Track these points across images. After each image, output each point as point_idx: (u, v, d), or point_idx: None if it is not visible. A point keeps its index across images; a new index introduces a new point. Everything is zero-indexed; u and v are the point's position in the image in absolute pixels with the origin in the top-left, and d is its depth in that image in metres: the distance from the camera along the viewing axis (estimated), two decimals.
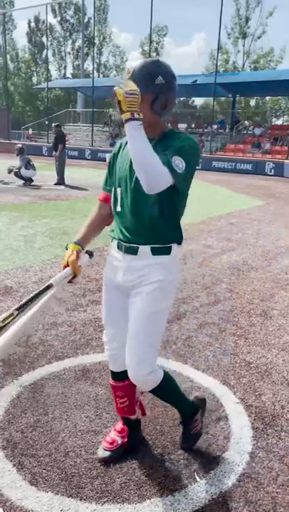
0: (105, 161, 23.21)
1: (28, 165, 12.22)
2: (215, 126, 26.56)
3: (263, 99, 45.54)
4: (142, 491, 1.95)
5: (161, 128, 1.89)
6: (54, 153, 12.94)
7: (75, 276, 2.08)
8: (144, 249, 1.90)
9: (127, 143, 1.87)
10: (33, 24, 50.57)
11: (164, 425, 2.39)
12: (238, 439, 2.31)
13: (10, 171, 12.26)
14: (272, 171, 19.40)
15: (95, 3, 29.36)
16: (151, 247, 1.89)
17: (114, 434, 2.21)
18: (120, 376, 2.07)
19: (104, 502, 1.88)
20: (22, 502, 1.87)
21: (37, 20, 49.96)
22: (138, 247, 1.91)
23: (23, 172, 12.20)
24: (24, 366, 2.91)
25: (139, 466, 2.08)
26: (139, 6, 55.29)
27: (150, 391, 2.06)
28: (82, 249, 2.11)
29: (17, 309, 1.84)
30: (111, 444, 2.16)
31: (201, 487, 1.98)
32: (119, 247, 1.99)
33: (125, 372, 1.98)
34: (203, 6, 59.26)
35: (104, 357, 3.05)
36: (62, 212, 8.74)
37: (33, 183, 12.37)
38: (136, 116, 1.67)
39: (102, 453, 2.14)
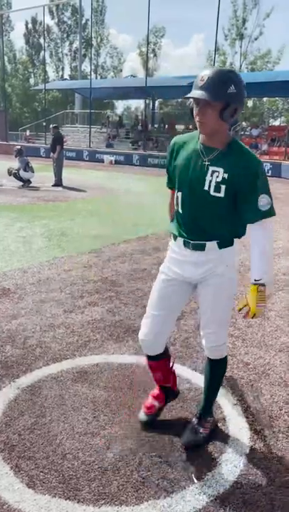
0: (103, 162, 23.25)
1: (27, 167, 12.20)
2: None
3: (260, 100, 45.60)
4: (139, 493, 1.94)
5: (226, 137, 1.97)
6: (52, 154, 12.92)
7: None
8: (211, 245, 2.05)
9: (185, 143, 2.05)
10: (30, 25, 50.55)
11: (162, 427, 2.38)
12: (236, 440, 2.31)
13: (10, 173, 12.22)
14: (270, 171, 19.39)
15: (92, 4, 29.37)
16: (218, 242, 2.05)
17: (151, 399, 2.43)
18: (155, 358, 2.30)
19: (102, 504, 1.88)
20: (19, 505, 1.87)
21: (34, 21, 49.93)
22: (205, 244, 2.05)
23: (22, 174, 12.18)
24: (21, 368, 2.91)
25: (137, 468, 2.08)
26: (137, 8, 55.41)
27: (213, 364, 2.26)
28: None
29: None
30: (149, 408, 2.39)
31: (199, 489, 1.98)
32: (185, 245, 2.09)
33: (158, 355, 2.27)
34: (202, 7, 59.39)
35: (101, 359, 3.06)
36: (60, 213, 8.73)
37: (31, 185, 12.35)
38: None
39: (144, 417, 2.38)
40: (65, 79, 47.68)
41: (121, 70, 51.58)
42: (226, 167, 1.93)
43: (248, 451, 2.24)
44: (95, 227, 7.40)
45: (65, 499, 1.90)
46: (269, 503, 1.92)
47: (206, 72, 1.86)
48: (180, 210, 2.08)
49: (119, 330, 3.54)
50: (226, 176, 1.94)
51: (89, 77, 31.62)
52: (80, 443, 2.24)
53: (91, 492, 1.94)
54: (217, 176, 1.95)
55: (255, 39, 42.71)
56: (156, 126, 30.81)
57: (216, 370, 2.29)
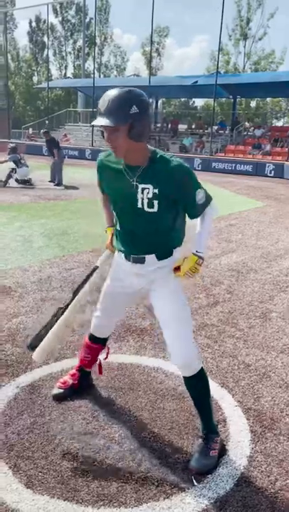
0: None
1: (19, 163, 12.02)
2: (215, 127, 26.52)
3: (263, 100, 45.53)
4: (138, 494, 1.93)
5: (146, 153, 1.99)
6: (53, 158, 12.77)
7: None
8: (150, 258, 2.11)
9: (109, 161, 2.07)
10: (34, 24, 50.49)
11: (162, 428, 2.37)
12: (237, 442, 2.29)
13: (8, 179, 11.95)
14: (273, 172, 19.37)
15: (96, 3, 29.32)
16: (156, 255, 2.11)
17: (67, 376, 2.64)
18: (96, 340, 2.52)
19: (101, 506, 1.86)
20: (18, 505, 1.85)
21: (38, 19, 49.85)
22: (144, 257, 2.12)
23: (18, 171, 11.96)
24: (21, 367, 2.89)
25: (136, 470, 2.06)
26: (141, 7, 55.31)
27: (187, 381, 2.17)
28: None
29: (73, 294, 2.34)
30: (64, 383, 2.60)
31: (199, 491, 1.96)
32: (126, 258, 2.18)
33: (101, 338, 2.50)
34: (206, 7, 59.35)
35: (101, 359, 3.04)
36: (61, 212, 8.71)
37: (32, 182, 12.30)
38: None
39: (56, 391, 2.58)
40: (68, 77, 47.64)
41: (124, 69, 51.55)
42: (154, 183, 1.96)
43: (248, 453, 2.22)
44: (96, 226, 7.37)
45: (64, 500, 1.88)
46: (270, 507, 1.90)
47: (106, 98, 1.86)
48: (118, 227, 2.18)
49: (119, 329, 3.53)
50: (156, 191, 1.97)
51: (92, 75, 31.51)
52: (79, 443, 2.22)
53: (90, 493, 1.92)
54: (148, 193, 1.98)
55: (259, 39, 42.63)
56: (158, 125, 30.78)
57: (194, 388, 2.19)
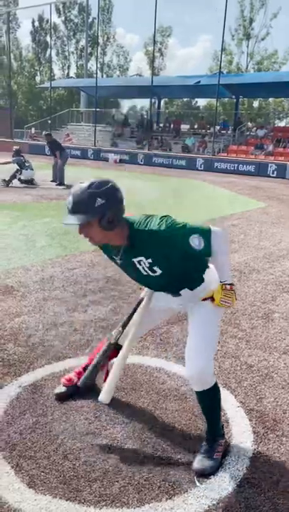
0: (108, 160, 23.21)
1: (24, 165, 12.06)
2: (218, 127, 26.50)
3: (266, 100, 45.46)
4: (141, 495, 1.92)
5: (123, 234, 1.99)
6: (58, 160, 12.75)
7: None
8: (184, 291, 2.17)
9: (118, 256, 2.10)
10: (37, 23, 50.52)
11: (164, 428, 2.37)
12: (239, 443, 2.29)
13: (11, 179, 11.93)
14: (275, 172, 19.34)
15: (99, 3, 29.32)
16: (189, 288, 2.16)
17: (73, 374, 2.65)
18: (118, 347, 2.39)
19: (103, 506, 1.86)
20: (20, 505, 1.85)
21: (41, 19, 49.88)
22: (178, 292, 2.18)
23: (24, 173, 12.02)
24: (24, 366, 2.89)
25: (139, 470, 2.06)
26: (144, 7, 55.28)
27: (199, 395, 2.14)
28: None
29: (122, 327, 2.36)
30: (68, 380, 2.61)
31: (201, 492, 1.96)
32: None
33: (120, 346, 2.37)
34: (209, 7, 59.30)
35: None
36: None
37: (35, 182, 12.32)
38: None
39: (59, 389, 2.59)
40: (71, 77, 47.67)
41: (127, 69, 51.55)
42: (143, 255, 2.01)
43: (251, 454, 2.21)
44: None
45: (66, 500, 1.88)
46: (272, 508, 1.90)
47: (71, 197, 1.91)
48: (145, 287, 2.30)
49: None
50: (150, 260, 2.02)
51: (95, 75, 31.49)
52: (81, 443, 2.22)
53: (92, 493, 1.92)
54: (144, 263, 2.04)
55: (262, 39, 42.59)
56: (161, 125, 30.77)
57: (204, 402, 2.16)
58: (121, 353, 2.26)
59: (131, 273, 2.19)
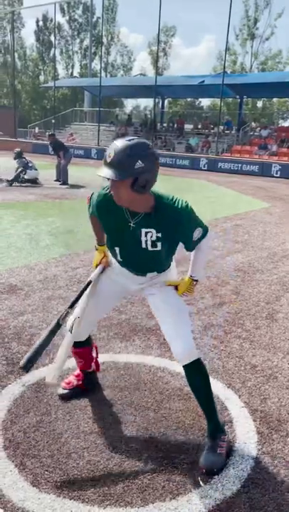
0: None
1: (27, 166, 12.09)
2: (222, 127, 26.47)
3: (270, 100, 45.39)
4: (144, 494, 1.92)
5: (149, 201, 2.02)
6: (61, 160, 12.75)
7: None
8: (151, 273, 2.27)
9: (108, 201, 2.07)
10: (41, 23, 50.62)
11: (168, 428, 2.36)
12: (243, 443, 2.28)
13: (16, 179, 11.95)
14: (279, 172, 19.31)
15: (103, 2, 29.34)
16: (157, 271, 2.27)
17: (72, 377, 2.65)
18: (80, 344, 2.46)
19: (107, 505, 1.85)
20: (23, 503, 1.85)
21: (45, 18, 50.01)
22: (146, 273, 2.26)
23: (29, 173, 12.03)
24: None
25: (142, 470, 2.05)
26: (148, 7, 55.28)
27: (188, 368, 2.15)
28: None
29: (69, 307, 2.33)
30: (68, 384, 2.61)
31: (205, 492, 1.95)
32: (128, 269, 2.28)
33: (83, 342, 2.45)
34: (213, 7, 59.16)
35: (107, 357, 3.04)
36: (67, 211, 8.73)
37: (38, 182, 12.33)
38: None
39: (60, 391, 2.59)
40: (75, 77, 47.72)
41: (131, 69, 51.58)
42: (156, 227, 2.04)
43: (255, 454, 2.20)
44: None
45: (70, 499, 1.88)
46: (276, 508, 1.89)
47: (112, 149, 1.88)
48: (119, 259, 2.24)
49: (125, 329, 3.52)
50: (159, 234, 2.06)
51: (99, 75, 31.53)
52: (85, 442, 2.22)
53: (96, 492, 1.91)
54: (151, 236, 2.06)
55: (267, 39, 42.56)
56: (165, 125, 30.76)
57: (194, 377, 2.19)
58: (67, 336, 2.29)
59: (127, 241, 2.12)
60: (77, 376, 2.64)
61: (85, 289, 2.34)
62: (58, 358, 2.23)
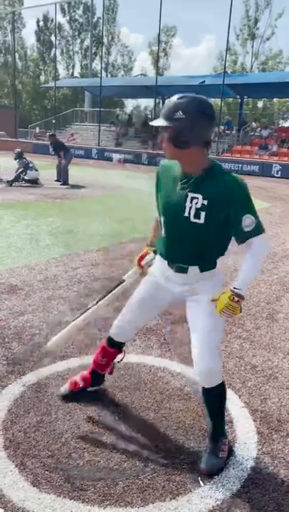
0: (112, 160, 23.23)
1: (28, 167, 12.10)
2: (222, 127, 26.47)
3: (270, 100, 45.38)
4: (145, 494, 1.92)
5: (200, 163, 1.94)
6: (62, 160, 12.76)
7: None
8: (193, 269, 2.06)
9: (169, 168, 2.05)
10: (41, 23, 50.65)
11: (168, 428, 2.36)
12: (243, 443, 2.28)
13: (16, 180, 11.96)
14: (279, 173, 19.31)
15: (104, 2, 29.36)
16: (199, 267, 2.05)
17: (78, 378, 2.58)
18: (114, 344, 2.45)
19: (107, 505, 1.85)
20: (24, 503, 1.85)
21: (46, 19, 50.02)
22: (187, 268, 2.06)
23: (29, 173, 12.04)
24: (28, 365, 2.90)
25: (143, 470, 2.05)
26: (149, 7, 55.32)
27: (208, 391, 2.12)
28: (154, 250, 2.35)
29: (96, 301, 2.40)
30: (74, 385, 2.56)
31: (205, 492, 1.95)
32: (169, 265, 2.12)
33: (119, 343, 2.44)
34: (214, 7, 59.19)
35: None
36: (67, 211, 8.73)
37: (38, 182, 12.33)
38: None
39: (64, 391, 2.57)
40: (76, 77, 47.74)
41: (131, 69, 51.60)
42: (204, 193, 1.93)
43: (255, 455, 2.21)
44: (103, 226, 7.39)
45: (70, 499, 1.88)
46: (276, 509, 1.89)
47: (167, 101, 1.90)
48: (164, 234, 2.11)
49: None
50: (205, 202, 1.93)
51: (99, 75, 31.53)
52: (85, 442, 2.22)
53: (96, 492, 1.92)
54: (196, 203, 1.94)
55: (267, 39, 42.56)
56: None
57: (211, 399, 2.15)
58: (83, 315, 2.39)
59: (172, 207, 2.01)
60: (84, 379, 2.58)
61: (115, 287, 2.34)
62: (67, 330, 2.32)
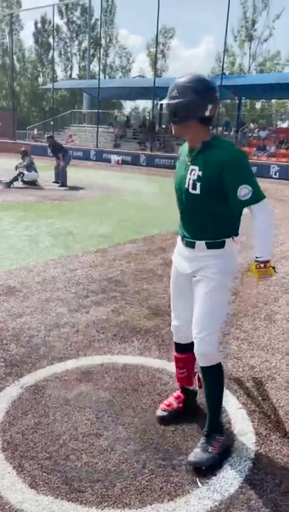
0: (110, 162, 23.26)
1: (31, 167, 12.13)
2: (220, 129, 26.50)
3: (268, 101, 45.45)
4: (142, 496, 1.92)
5: (201, 137, 2.04)
6: (60, 162, 12.77)
7: None
8: (199, 244, 2.11)
9: (184, 148, 2.17)
10: (39, 25, 50.70)
11: (166, 429, 2.36)
12: (241, 444, 2.28)
13: (16, 168, 12.09)
14: (277, 174, 19.34)
15: (102, 4, 29.38)
16: (206, 242, 2.09)
17: (171, 398, 2.50)
18: (183, 349, 2.36)
19: (105, 507, 1.85)
20: (22, 505, 1.85)
21: (44, 21, 50.08)
22: (195, 242, 2.12)
23: (27, 174, 12.07)
24: (26, 367, 2.90)
25: (141, 471, 2.05)
26: (148, 9, 55.31)
27: (204, 372, 2.16)
28: None
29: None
30: (168, 406, 2.46)
31: (203, 493, 1.95)
32: (182, 240, 2.21)
33: (187, 345, 2.30)
34: (213, 8, 59.27)
35: (106, 359, 3.04)
36: (66, 212, 8.73)
37: (37, 184, 12.33)
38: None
39: (160, 413, 2.44)
40: (74, 78, 47.79)
41: (129, 70, 51.66)
42: (200, 165, 2.01)
43: (253, 455, 2.21)
44: (101, 227, 7.39)
45: (68, 500, 1.88)
46: (274, 509, 1.89)
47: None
48: (179, 208, 2.22)
49: (124, 330, 3.52)
50: (200, 173, 2.01)
51: (97, 76, 31.60)
52: (83, 444, 2.22)
53: (94, 494, 1.91)
54: (194, 174, 2.03)
55: (265, 40, 42.63)
56: (163, 126, 30.77)
57: (208, 380, 2.18)
58: None
59: (180, 181, 2.11)
60: (177, 398, 2.49)
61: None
62: None
